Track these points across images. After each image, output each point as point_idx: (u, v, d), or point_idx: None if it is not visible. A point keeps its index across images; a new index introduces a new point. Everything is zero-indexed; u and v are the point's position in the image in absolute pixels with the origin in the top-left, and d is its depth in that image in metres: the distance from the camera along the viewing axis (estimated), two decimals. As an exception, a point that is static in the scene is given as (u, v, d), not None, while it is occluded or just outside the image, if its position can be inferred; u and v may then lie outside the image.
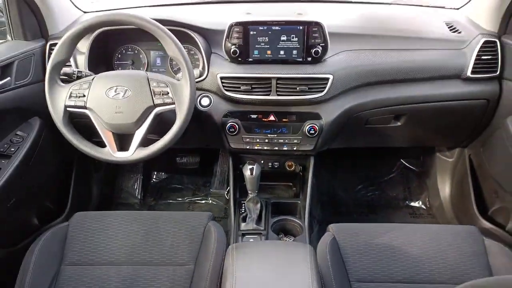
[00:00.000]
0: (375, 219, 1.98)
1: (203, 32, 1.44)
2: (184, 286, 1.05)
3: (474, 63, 1.39)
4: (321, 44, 1.32)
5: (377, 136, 1.62)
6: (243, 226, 1.50)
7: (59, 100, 1.16)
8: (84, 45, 1.39)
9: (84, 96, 1.15)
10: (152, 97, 1.14)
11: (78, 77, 1.26)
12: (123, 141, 1.20)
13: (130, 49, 1.52)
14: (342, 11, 1.70)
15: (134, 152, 1.17)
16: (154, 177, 2.24)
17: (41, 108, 1.39)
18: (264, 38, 1.33)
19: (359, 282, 1.05)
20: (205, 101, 1.41)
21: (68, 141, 1.19)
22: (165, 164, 2.21)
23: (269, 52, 1.35)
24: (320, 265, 1.03)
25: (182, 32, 1.40)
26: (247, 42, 1.34)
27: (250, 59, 1.36)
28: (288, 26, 1.32)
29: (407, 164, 2.12)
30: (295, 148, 1.46)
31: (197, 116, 1.32)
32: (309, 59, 1.34)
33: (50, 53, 1.43)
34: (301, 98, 1.36)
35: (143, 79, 1.16)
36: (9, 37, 1.41)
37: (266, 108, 1.41)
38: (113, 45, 1.51)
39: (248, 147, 1.47)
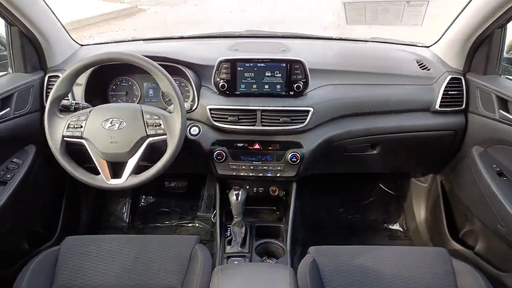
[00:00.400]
0: (356, 241, 2.05)
1: (193, 66, 1.54)
2: None
3: (442, 98, 1.52)
4: (302, 80, 1.44)
5: (355, 163, 1.72)
6: (228, 249, 1.55)
7: (58, 130, 1.23)
8: (81, 78, 1.46)
9: (81, 127, 1.23)
10: (146, 128, 1.23)
11: (76, 109, 1.35)
12: (116, 168, 1.27)
13: (124, 81, 1.61)
14: (323, 47, 1.84)
15: (126, 179, 1.24)
16: (143, 201, 2.28)
17: (36, 136, 1.46)
18: (250, 73, 1.45)
19: None
20: (194, 130, 1.50)
21: (61, 168, 1.25)
22: (153, 188, 2.26)
23: (254, 86, 1.46)
24: (300, 286, 1.09)
25: (174, 66, 1.50)
26: (235, 77, 1.45)
27: (237, 92, 1.47)
28: (273, 63, 1.43)
29: (385, 189, 2.21)
30: (278, 175, 1.55)
31: (187, 144, 1.40)
32: (292, 93, 1.45)
33: (48, 85, 1.51)
34: (284, 129, 1.46)
35: (137, 112, 1.24)
36: (10, 70, 1.49)
37: (252, 137, 1.50)
38: (108, 77, 1.60)
39: (234, 173, 1.55)
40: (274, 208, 1.90)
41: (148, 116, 1.24)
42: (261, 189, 1.70)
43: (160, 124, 1.23)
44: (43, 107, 1.51)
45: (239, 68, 1.44)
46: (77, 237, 1.29)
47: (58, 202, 1.79)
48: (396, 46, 1.87)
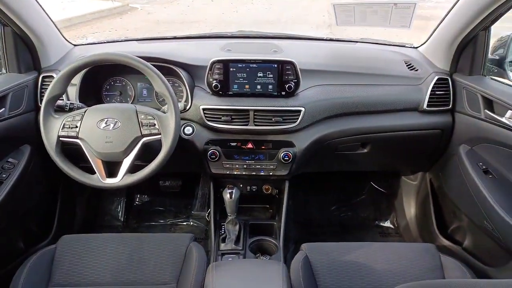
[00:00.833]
0: (348, 238, 2.08)
1: (187, 67, 1.56)
2: None
3: (429, 98, 1.56)
4: (293, 80, 1.46)
5: (346, 161, 1.76)
6: (222, 246, 1.58)
7: (53, 130, 1.25)
8: (75, 78, 1.47)
9: (76, 127, 1.24)
10: (140, 128, 1.25)
11: (70, 109, 1.36)
12: (111, 167, 1.29)
13: (118, 81, 1.62)
14: (314, 48, 1.86)
15: (122, 179, 1.26)
16: (137, 200, 2.29)
17: (31, 136, 1.47)
18: (242, 74, 1.47)
19: None
20: (188, 130, 1.52)
21: (56, 167, 1.26)
22: (148, 187, 2.27)
23: (247, 86, 1.48)
24: (293, 281, 1.12)
25: (168, 67, 1.52)
26: (227, 77, 1.47)
27: (230, 93, 1.49)
28: (264, 64, 1.46)
29: (376, 187, 2.25)
30: (271, 173, 1.58)
31: (181, 144, 1.42)
32: (283, 93, 1.48)
33: (42, 85, 1.52)
34: (276, 128, 1.49)
35: (132, 112, 1.26)
36: (4, 70, 1.50)
37: (245, 136, 1.53)
38: (102, 77, 1.61)
39: (228, 172, 1.58)
40: (267, 206, 1.93)
41: (142, 116, 1.26)
42: (254, 187, 1.73)
43: (155, 124, 1.25)
44: (38, 107, 1.52)
45: (231, 69, 1.47)
46: (73, 236, 1.30)
47: (53, 202, 1.80)
48: (385, 47, 1.91)
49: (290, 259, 1.26)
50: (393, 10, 1.41)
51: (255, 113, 1.48)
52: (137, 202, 2.29)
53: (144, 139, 1.25)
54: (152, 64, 1.26)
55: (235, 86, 1.49)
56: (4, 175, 1.39)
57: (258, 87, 1.48)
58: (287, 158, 1.52)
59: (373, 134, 1.59)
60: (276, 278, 1.01)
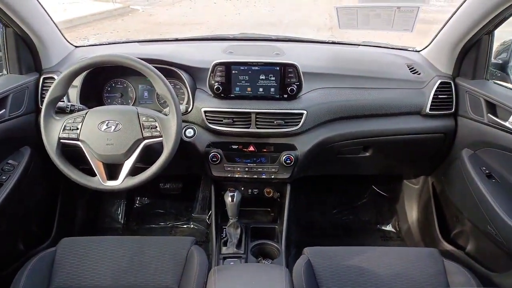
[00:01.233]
0: (349, 241, 2.07)
1: (188, 69, 1.55)
2: None
3: (432, 102, 1.55)
4: (296, 83, 1.46)
5: (348, 165, 1.75)
6: (224, 250, 1.57)
7: (54, 132, 1.24)
8: (76, 80, 1.46)
9: (77, 129, 1.24)
10: (142, 131, 1.24)
11: (71, 111, 1.35)
12: (112, 170, 1.28)
13: (119, 83, 1.62)
14: (316, 51, 1.86)
15: (123, 181, 1.25)
16: (137, 202, 2.29)
17: (32, 138, 1.47)
18: (244, 76, 1.47)
19: None
20: (189, 132, 1.51)
21: (56, 169, 1.25)
22: (148, 190, 2.27)
23: (249, 89, 1.48)
24: (296, 286, 1.11)
25: (169, 69, 1.52)
26: (229, 80, 1.46)
27: (231, 95, 1.48)
28: (267, 66, 1.45)
29: (378, 190, 2.24)
30: (273, 176, 1.57)
31: (182, 146, 1.41)
32: (285, 96, 1.48)
33: (43, 86, 1.51)
34: (278, 131, 1.48)
35: (133, 114, 1.25)
36: (4, 71, 1.49)
37: (246, 139, 1.52)
38: (103, 79, 1.60)
39: (229, 175, 1.57)
40: (269, 209, 1.92)
41: (144, 119, 1.25)
42: (256, 190, 1.72)
43: (156, 127, 1.24)
44: (38, 109, 1.51)
45: (233, 71, 1.46)
46: (73, 239, 1.29)
47: (53, 204, 1.79)
48: (387, 50, 1.90)
49: (292, 263, 1.25)
50: (396, 13, 1.41)
51: (257, 116, 1.47)
52: (137, 205, 2.28)
53: (146, 141, 1.25)
54: (153, 66, 1.26)
55: (237, 89, 1.48)
56: (4, 177, 1.38)
57: (260, 89, 1.48)
58: (289, 161, 1.51)
59: (375, 137, 1.59)
60: (279, 283, 1.00)
